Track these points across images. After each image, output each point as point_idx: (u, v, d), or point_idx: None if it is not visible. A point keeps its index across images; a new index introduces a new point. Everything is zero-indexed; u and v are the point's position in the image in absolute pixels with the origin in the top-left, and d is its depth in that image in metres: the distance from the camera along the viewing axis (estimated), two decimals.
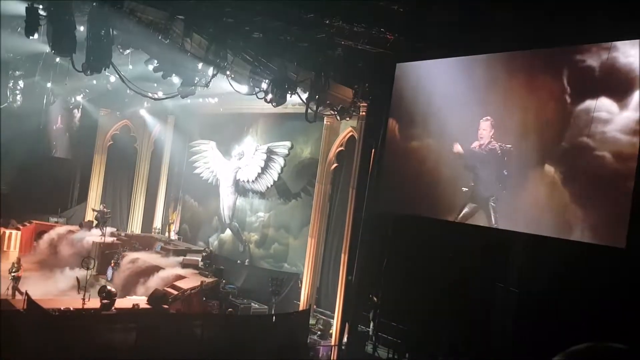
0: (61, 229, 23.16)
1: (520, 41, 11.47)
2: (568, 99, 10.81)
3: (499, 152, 11.85)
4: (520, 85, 11.79)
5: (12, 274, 17.14)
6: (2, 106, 20.92)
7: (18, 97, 21.09)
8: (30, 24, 11.36)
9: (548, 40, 11.09)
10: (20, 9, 11.72)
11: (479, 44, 12.19)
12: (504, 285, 11.79)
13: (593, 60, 10.49)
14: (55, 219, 24.34)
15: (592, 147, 10.35)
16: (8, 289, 16.82)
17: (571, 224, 10.61)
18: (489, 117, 12.11)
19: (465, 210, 12.41)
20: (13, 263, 17.66)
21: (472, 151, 12.39)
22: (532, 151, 11.36)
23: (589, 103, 10.39)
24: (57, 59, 15.30)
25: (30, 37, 11.74)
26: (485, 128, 12.10)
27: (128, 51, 14.66)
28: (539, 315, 10.82)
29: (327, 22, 13.08)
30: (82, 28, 12.08)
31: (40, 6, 11.47)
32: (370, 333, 14.43)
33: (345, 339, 14.86)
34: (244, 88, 14.89)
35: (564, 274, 10.51)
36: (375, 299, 14.44)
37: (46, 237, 22.75)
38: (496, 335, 11.73)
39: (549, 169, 10.98)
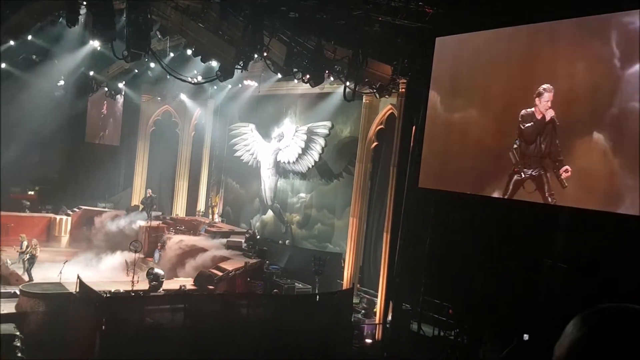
0: (109, 214, 23.75)
1: (564, 9, 11.07)
2: (617, 63, 10.38)
3: (548, 120, 11.44)
4: (566, 52, 11.36)
5: (24, 253, 16.81)
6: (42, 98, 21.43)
7: (62, 87, 21.57)
8: (71, 13, 11.54)
9: (594, 6, 10.65)
10: None
11: (520, 14, 11.82)
12: (551, 262, 11.53)
13: None
14: (103, 205, 24.95)
15: None
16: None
17: (622, 193, 10.27)
18: (545, 87, 11.61)
19: (514, 183, 12.11)
20: (27, 245, 17.21)
21: (523, 121, 12.03)
22: (581, 119, 10.98)
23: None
24: (98, 48, 15.55)
25: (72, 27, 11.94)
26: (540, 97, 11.67)
27: (167, 37, 14.82)
28: (589, 293, 10.52)
29: None
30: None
31: None
32: (414, 311, 14.42)
33: (389, 317, 14.89)
34: (281, 69, 14.89)
35: (614, 248, 10.22)
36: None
37: (95, 222, 23.34)
38: (542, 312, 11.53)
39: (598, 136, 10.61)
